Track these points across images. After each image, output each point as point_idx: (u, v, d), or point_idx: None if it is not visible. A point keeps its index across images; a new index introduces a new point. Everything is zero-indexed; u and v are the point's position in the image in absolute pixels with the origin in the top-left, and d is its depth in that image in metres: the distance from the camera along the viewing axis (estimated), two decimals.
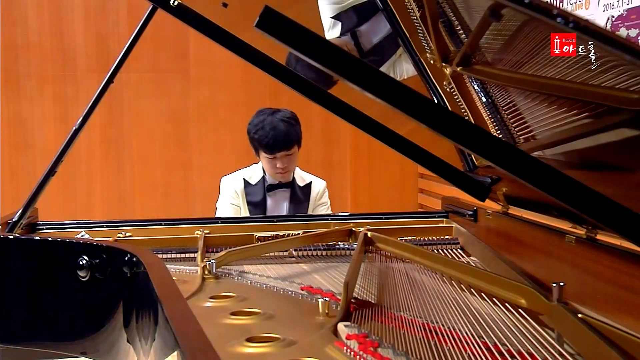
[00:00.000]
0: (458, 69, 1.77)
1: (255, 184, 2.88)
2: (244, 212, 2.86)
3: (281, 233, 2.19)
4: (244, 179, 2.89)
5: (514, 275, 1.56)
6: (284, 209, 2.89)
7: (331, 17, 2.70)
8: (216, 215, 2.91)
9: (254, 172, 2.90)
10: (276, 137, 2.70)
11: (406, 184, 4.95)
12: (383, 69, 2.69)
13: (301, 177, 2.94)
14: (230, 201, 2.88)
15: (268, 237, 2.18)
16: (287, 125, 2.75)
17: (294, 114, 2.85)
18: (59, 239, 1.84)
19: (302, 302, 1.53)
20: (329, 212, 2.97)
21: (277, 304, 1.50)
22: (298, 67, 2.25)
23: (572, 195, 1.08)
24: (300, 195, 2.90)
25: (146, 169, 4.72)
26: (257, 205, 2.85)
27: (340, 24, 2.70)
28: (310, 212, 2.91)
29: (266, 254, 2.08)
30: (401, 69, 2.67)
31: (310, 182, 2.94)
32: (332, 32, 2.71)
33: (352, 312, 1.37)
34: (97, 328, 1.66)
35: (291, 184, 2.88)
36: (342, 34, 2.69)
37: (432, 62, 1.99)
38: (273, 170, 2.80)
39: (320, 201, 2.95)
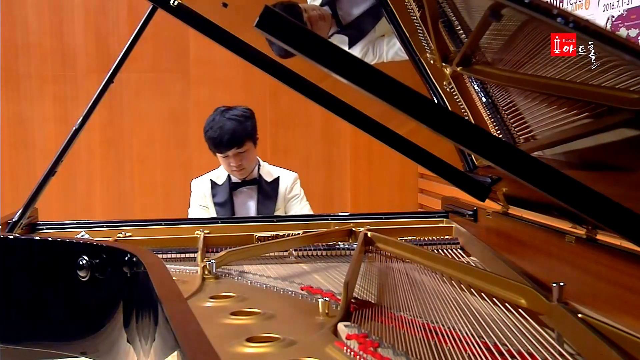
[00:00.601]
0: (458, 69, 1.77)
1: (222, 184, 2.87)
2: (213, 214, 2.85)
3: (281, 233, 2.19)
4: (210, 179, 2.89)
5: (514, 275, 1.56)
6: (251, 208, 2.86)
7: None
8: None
9: (222, 172, 2.89)
10: (222, 136, 2.70)
11: (406, 184, 4.94)
12: (360, 44, 2.67)
13: (269, 172, 2.90)
14: (199, 203, 2.88)
15: (268, 237, 2.18)
16: (235, 123, 2.73)
17: (248, 110, 2.82)
18: (59, 239, 1.84)
19: (302, 302, 1.53)
20: (304, 203, 2.93)
21: (277, 304, 1.50)
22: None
23: (572, 195, 1.08)
24: (267, 192, 2.87)
25: (146, 169, 4.72)
26: (223, 205, 2.84)
27: None
28: (280, 207, 2.87)
29: (266, 254, 2.08)
30: (380, 50, 2.65)
31: (278, 177, 2.90)
32: (311, 2, 2.70)
33: (352, 312, 1.37)
34: (97, 328, 1.66)
35: (257, 181, 2.86)
36: (321, 4, 2.68)
37: (432, 62, 1.99)
38: (228, 168, 2.81)
39: (291, 194, 2.91)
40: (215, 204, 2.85)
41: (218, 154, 2.79)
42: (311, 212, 2.91)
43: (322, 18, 2.66)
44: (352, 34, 2.68)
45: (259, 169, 2.88)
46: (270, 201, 2.86)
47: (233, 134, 2.71)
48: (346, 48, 2.69)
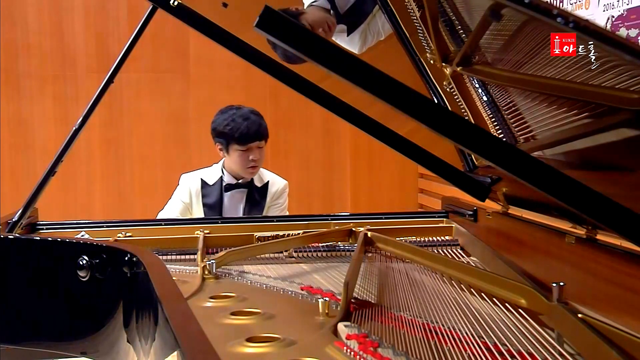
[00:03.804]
0: (458, 69, 1.77)
1: (213, 185, 2.86)
2: (196, 213, 2.84)
3: (281, 233, 2.19)
4: (201, 179, 2.87)
5: (514, 275, 1.56)
6: (239, 210, 2.86)
7: None
8: (161, 211, 2.88)
9: (213, 173, 2.88)
10: (250, 126, 2.72)
11: (406, 184, 4.95)
12: (358, 32, 2.66)
13: (260, 176, 2.90)
14: (181, 198, 2.86)
15: (268, 237, 2.18)
16: (257, 117, 2.77)
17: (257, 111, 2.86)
18: (59, 239, 1.84)
19: (302, 302, 1.53)
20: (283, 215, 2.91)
21: (277, 304, 1.50)
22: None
23: (572, 195, 1.08)
24: (256, 196, 2.87)
25: (146, 169, 4.72)
26: (212, 207, 2.83)
27: None
28: (265, 212, 2.87)
29: (266, 254, 2.08)
30: (376, 27, 2.64)
31: (268, 182, 2.90)
32: None
33: (352, 312, 1.37)
34: (97, 328, 1.66)
35: (249, 185, 2.86)
36: None
37: (432, 62, 1.99)
38: (245, 164, 2.77)
39: (275, 202, 2.90)
40: (205, 205, 2.83)
41: (238, 147, 2.75)
42: None
43: (329, 29, 2.64)
44: (350, 21, 2.67)
45: None
46: (258, 207, 2.86)
47: (260, 125, 2.75)
48: (345, 36, 2.69)
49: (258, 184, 2.88)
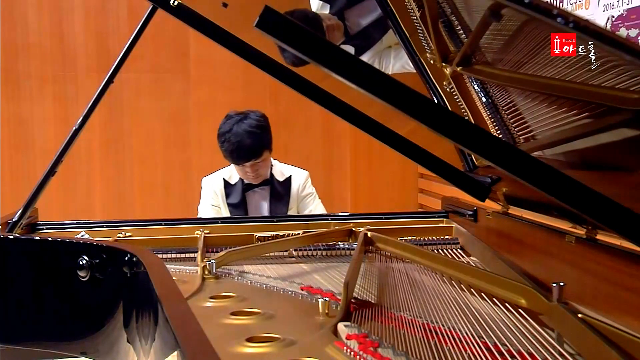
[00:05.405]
0: (458, 69, 1.77)
1: (235, 184, 2.85)
2: (225, 213, 2.84)
3: (281, 233, 2.19)
4: (223, 179, 2.87)
5: (514, 275, 1.56)
6: (264, 208, 2.85)
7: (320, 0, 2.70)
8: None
9: (234, 172, 2.87)
10: (240, 149, 2.66)
11: (406, 184, 4.94)
12: (367, 55, 2.68)
13: (280, 171, 2.89)
14: (211, 202, 2.86)
15: (268, 237, 2.18)
16: (252, 135, 2.68)
17: (263, 118, 2.76)
18: (59, 239, 1.84)
19: (302, 302, 1.53)
20: (318, 201, 2.93)
21: (277, 304, 1.50)
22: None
23: (572, 195, 1.08)
24: (280, 191, 2.86)
25: (146, 169, 4.72)
26: (237, 207, 2.83)
27: (328, 6, 2.69)
28: (293, 207, 2.86)
29: (266, 254, 2.08)
30: (387, 62, 2.65)
31: (290, 176, 2.90)
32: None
33: (352, 312, 1.37)
34: (97, 328, 1.66)
35: (270, 181, 2.85)
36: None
37: (432, 62, 1.99)
38: (244, 175, 2.80)
39: (304, 192, 2.90)
40: (229, 205, 2.83)
41: (232, 162, 2.77)
42: (324, 210, 2.92)
43: (338, 28, 2.66)
44: (358, 44, 2.68)
45: (271, 168, 2.87)
46: (282, 202, 2.85)
47: (251, 147, 2.67)
48: None
49: (280, 178, 2.87)
